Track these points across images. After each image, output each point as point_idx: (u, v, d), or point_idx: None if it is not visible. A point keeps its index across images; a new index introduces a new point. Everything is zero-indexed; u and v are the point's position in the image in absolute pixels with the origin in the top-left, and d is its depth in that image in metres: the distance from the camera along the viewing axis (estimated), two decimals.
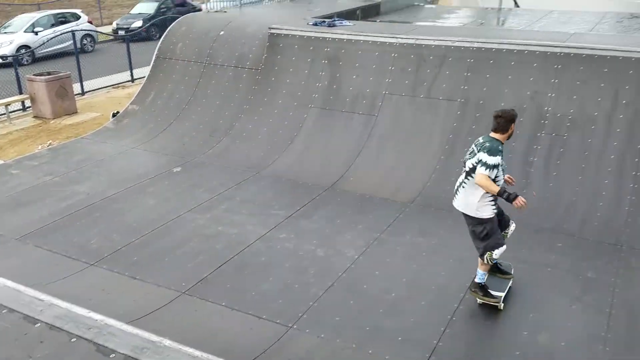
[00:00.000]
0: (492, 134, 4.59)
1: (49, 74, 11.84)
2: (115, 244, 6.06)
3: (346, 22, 10.02)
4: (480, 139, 4.66)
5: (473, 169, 4.53)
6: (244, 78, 9.36)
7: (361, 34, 8.93)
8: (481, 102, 7.61)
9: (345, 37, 8.94)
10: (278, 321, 4.80)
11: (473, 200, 4.60)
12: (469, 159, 4.62)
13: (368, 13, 13.41)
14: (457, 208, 4.78)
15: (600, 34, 10.71)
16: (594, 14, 14.00)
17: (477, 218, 4.65)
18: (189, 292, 5.20)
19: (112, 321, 2.85)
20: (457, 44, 8.11)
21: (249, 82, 9.30)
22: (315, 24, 9.72)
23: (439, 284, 5.35)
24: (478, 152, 4.53)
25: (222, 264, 5.66)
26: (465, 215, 4.75)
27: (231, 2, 12.46)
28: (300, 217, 6.57)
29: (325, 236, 6.23)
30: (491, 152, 4.42)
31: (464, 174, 4.69)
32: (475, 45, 7.99)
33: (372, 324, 4.79)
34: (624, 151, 6.67)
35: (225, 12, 11.70)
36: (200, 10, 18.48)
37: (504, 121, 4.52)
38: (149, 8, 22.58)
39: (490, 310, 4.90)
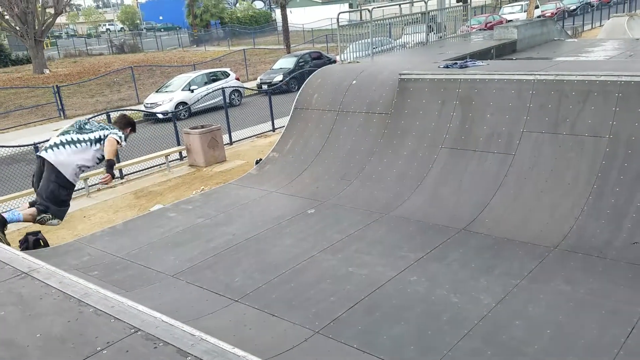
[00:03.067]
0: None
1: (202, 127, 13.22)
2: (257, 281, 6.46)
3: (479, 62, 9.88)
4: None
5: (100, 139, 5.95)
6: (374, 123, 9.61)
7: (495, 72, 8.73)
8: (633, 138, 6.94)
9: (478, 76, 8.80)
10: None
11: (73, 162, 5.59)
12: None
13: (503, 51, 13.09)
14: (49, 159, 5.45)
15: None
16: None
17: (70, 181, 5.59)
18: (322, 332, 5.33)
19: (253, 358, 3.06)
20: (602, 78, 7.56)
21: (379, 127, 9.52)
22: (447, 67, 9.72)
23: (589, 338, 4.85)
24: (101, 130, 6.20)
25: (354, 305, 5.73)
26: (55, 170, 5.50)
27: (364, 52, 12.96)
28: (432, 260, 6.45)
29: (459, 281, 6.03)
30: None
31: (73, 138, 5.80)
32: (624, 78, 7.37)
33: None
34: None
35: (357, 62, 12.21)
36: (335, 62, 19.49)
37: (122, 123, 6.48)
38: (288, 63, 24.35)
39: None
